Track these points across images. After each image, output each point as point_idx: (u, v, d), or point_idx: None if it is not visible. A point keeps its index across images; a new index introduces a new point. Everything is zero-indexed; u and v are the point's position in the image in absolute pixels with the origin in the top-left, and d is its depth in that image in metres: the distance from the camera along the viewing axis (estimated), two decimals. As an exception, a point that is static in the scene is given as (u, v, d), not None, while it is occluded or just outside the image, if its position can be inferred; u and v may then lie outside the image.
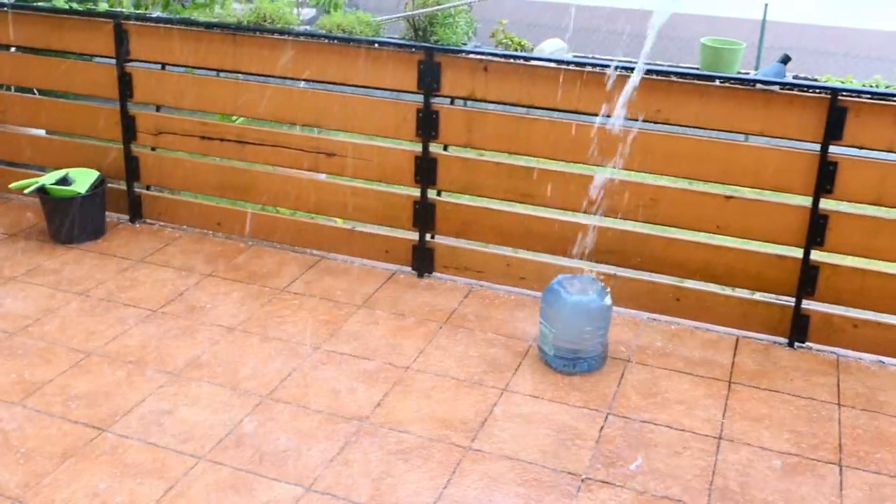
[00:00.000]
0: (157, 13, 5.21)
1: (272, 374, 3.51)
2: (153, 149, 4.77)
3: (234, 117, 5.07)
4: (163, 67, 4.65)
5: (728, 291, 3.97)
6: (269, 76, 4.38)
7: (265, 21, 4.36)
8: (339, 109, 4.29)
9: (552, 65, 3.87)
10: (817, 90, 3.59)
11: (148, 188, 4.90)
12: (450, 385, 3.48)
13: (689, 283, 4.00)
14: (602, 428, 3.25)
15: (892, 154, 3.55)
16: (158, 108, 4.74)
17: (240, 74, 4.57)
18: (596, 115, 3.80)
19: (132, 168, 4.77)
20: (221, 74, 4.68)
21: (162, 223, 4.84)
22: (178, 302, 4.03)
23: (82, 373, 3.48)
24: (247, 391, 3.39)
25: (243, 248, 4.58)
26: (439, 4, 4.11)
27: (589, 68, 3.80)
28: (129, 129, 4.71)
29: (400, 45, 4.10)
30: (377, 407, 3.32)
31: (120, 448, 3.05)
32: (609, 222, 3.94)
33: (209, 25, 4.41)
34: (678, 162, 3.82)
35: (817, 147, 3.61)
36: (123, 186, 4.83)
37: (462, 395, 3.41)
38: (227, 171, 4.62)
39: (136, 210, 4.86)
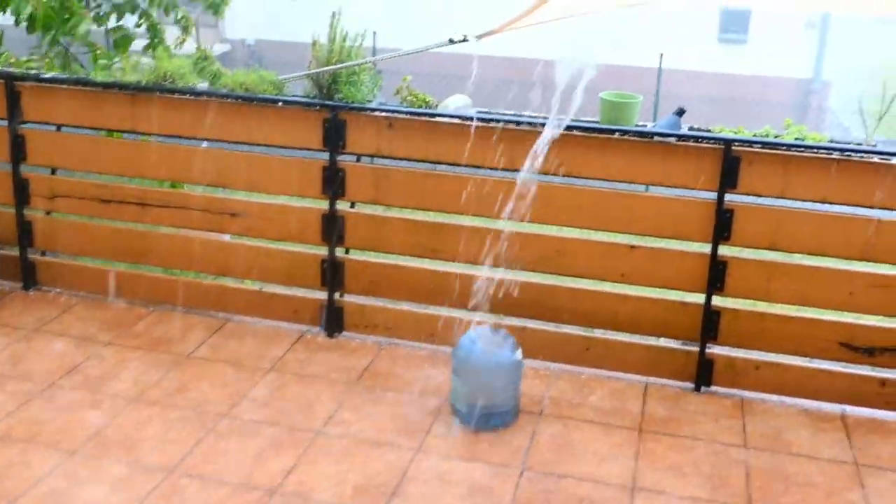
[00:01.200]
0: (52, 73, 5.06)
1: (177, 445, 3.38)
2: (48, 212, 4.60)
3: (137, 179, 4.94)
4: (58, 129, 4.51)
5: (635, 339, 4.04)
6: (171, 136, 4.30)
7: (165, 80, 4.28)
8: (243, 168, 4.23)
9: (456, 121, 3.91)
10: (711, 141, 3.71)
11: (43, 254, 4.71)
12: (363, 448, 3.41)
13: (598, 333, 4.05)
14: (517, 485, 3.23)
15: (785, 200, 3.68)
16: (54, 171, 4.58)
17: (140, 135, 4.47)
18: (501, 169, 3.84)
19: (25, 233, 4.59)
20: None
21: (58, 290, 4.65)
22: (75, 373, 3.87)
23: (-28, 454, 3.29)
24: (150, 466, 3.25)
25: (145, 314, 4.43)
26: (343, 62, 4.12)
27: (493, 124, 3.84)
28: (22, 192, 4.53)
29: (304, 104, 4.08)
30: (288, 475, 3.23)
31: (13, 534, 2.88)
32: (516, 275, 3.96)
33: (107, 85, 4.31)
34: (582, 213, 3.89)
35: (714, 195, 3.73)
36: (16, 252, 4.63)
37: (375, 458, 3.35)
38: (127, 234, 4.49)
39: (29, 277, 4.66)
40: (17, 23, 5.52)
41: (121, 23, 6.36)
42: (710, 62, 14.72)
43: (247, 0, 6.57)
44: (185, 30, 6.53)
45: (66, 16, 5.69)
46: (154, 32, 6.30)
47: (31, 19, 5.45)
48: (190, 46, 6.72)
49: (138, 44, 6.38)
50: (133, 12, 6.36)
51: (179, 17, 6.47)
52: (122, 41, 6.28)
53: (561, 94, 3.44)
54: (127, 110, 4.27)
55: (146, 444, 3.38)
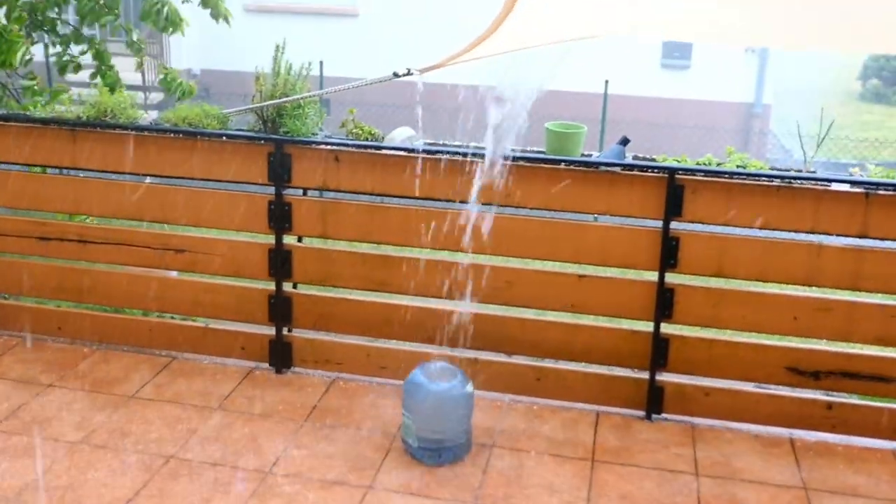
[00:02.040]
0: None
1: (121, 491, 3.28)
2: (-14, 252, 4.48)
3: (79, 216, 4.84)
4: (-5, 166, 4.41)
5: (586, 368, 4.04)
6: (113, 172, 4.22)
7: (106, 116, 4.20)
8: (186, 204, 4.16)
9: (403, 153, 3.90)
10: (656, 170, 3.75)
11: (-20, 294, 4.58)
12: (313, 487, 3.35)
13: (549, 363, 4.05)
14: (470, 520, 3.19)
15: (729, 227, 3.73)
16: (-9, 209, 4.47)
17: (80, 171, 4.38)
18: (449, 201, 3.83)
19: (-38, 273, 4.46)
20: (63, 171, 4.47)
21: (-3, 331, 4.52)
22: (14, 418, 3.74)
23: None
24: (93, 513, 3.16)
25: (88, 353, 4.32)
26: (287, 95, 4.09)
27: (440, 156, 3.84)
28: (-43, 232, 4.41)
29: (248, 138, 4.04)
30: (236, 518, 3.16)
31: (-53, 591, 2.77)
32: (466, 306, 3.95)
33: (46, 121, 4.22)
34: (530, 244, 3.89)
35: (659, 224, 3.76)
36: (-47, 293, 4.50)
37: (326, 498, 3.29)
38: (67, 273, 4.38)
39: (-33, 318, 4.53)
40: None
41: (63, 52, 6.24)
42: (653, 87, 14.96)
43: (191, 29, 6.49)
44: (139, 52, 6.43)
45: (6, 46, 5.58)
46: (101, 60, 6.20)
47: None
48: (131, 76, 6.62)
49: (84, 74, 6.27)
50: (78, 42, 6.26)
51: (135, 38, 6.36)
52: (65, 68, 6.17)
53: (499, 124, 3.46)
54: (67, 146, 4.18)
55: (89, 488, 3.28)
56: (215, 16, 6.40)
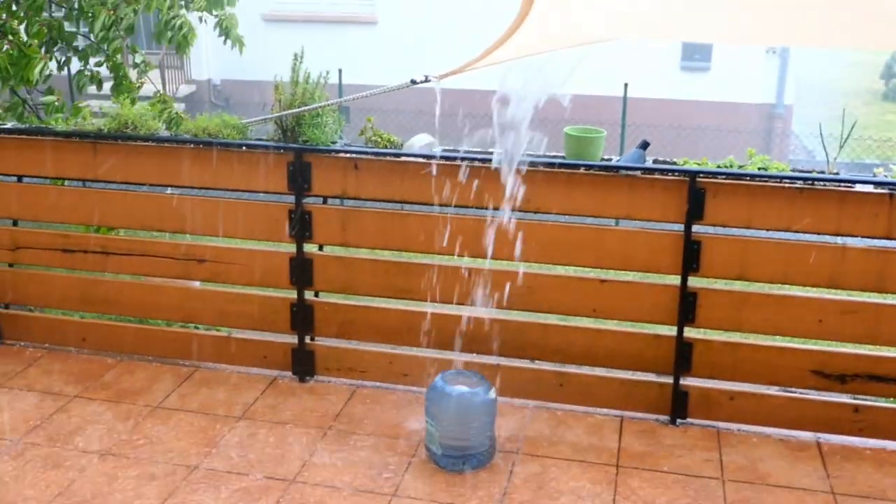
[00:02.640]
0: (10, 123, 5.00)
1: (148, 500, 3.30)
2: (11, 265, 4.53)
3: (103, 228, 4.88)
4: (19, 179, 4.45)
5: (610, 373, 4.02)
6: (134, 184, 4.25)
7: (127, 128, 4.24)
8: (207, 214, 4.18)
9: (422, 160, 3.90)
10: (676, 173, 3.73)
11: (7, 307, 4.62)
12: (338, 495, 3.35)
13: (572, 368, 4.03)
14: (495, 528, 3.18)
15: (750, 230, 3.70)
16: (15, 223, 4.51)
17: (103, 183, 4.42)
18: (469, 207, 3.83)
19: (-11, 286, 4.51)
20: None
21: (23, 343, 4.56)
22: (40, 430, 3.77)
23: (-67, 519, 3.19)
24: (119, 523, 3.18)
25: (112, 365, 4.35)
26: (306, 104, 4.10)
27: (459, 162, 3.84)
28: (-17, 245, 4.46)
29: (268, 147, 4.06)
30: (261, 527, 3.16)
31: None
32: (488, 313, 3.94)
33: (68, 135, 4.26)
34: (551, 249, 3.88)
35: (681, 227, 3.74)
36: (-21, 306, 4.55)
37: (350, 506, 3.29)
38: (91, 284, 4.41)
39: (-7, 331, 4.58)
40: None
41: (83, 67, 6.33)
42: (673, 90, 14.90)
43: (212, 40, 6.57)
44: (142, 73, 6.51)
45: (25, 61, 5.65)
46: (118, 72, 6.28)
47: None
48: (150, 89, 6.70)
49: (106, 86, 6.35)
50: (95, 55, 6.34)
51: (139, 60, 6.45)
52: (86, 84, 6.25)
53: (517, 129, 3.45)
54: (88, 159, 4.22)
55: (116, 499, 3.30)
56: (230, 40, 6.53)
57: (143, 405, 3.98)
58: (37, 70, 5.60)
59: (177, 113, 5.94)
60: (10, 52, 5.63)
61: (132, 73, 6.49)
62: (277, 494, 3.35)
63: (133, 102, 5.32)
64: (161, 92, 6.50)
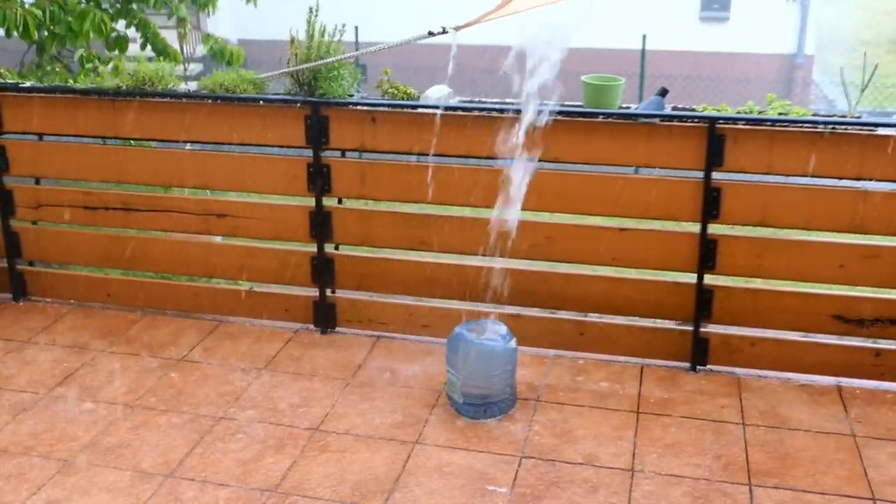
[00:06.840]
0: (30, 82, 5.01)
1: (174, 450, 3.37)
2: (34, 222, 4.57)
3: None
4: (40, 137, 4.48)
5: (630, 321, 4.03)
6: (153, 140, 4.27)
7: (145, 84, 4.24)
8: (226, 169, 4.20)
9: (439, 111, 3.88)
10: (695, 120, 3.70)
11: (31, 264, 4.68)
12: (360, 444, 3.40)
13: (592, 317, 4.04)
14: (517, 472, 3.22)
15: (771, 176, 3.68)
16: (38, 181, 4.55)
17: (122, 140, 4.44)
18: (486, 158, 3.82)
19: (13, 244, 4.56)
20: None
21: (48, 300, 4.62)
22: (69, 382, 3.84)
23: (-32, 469, 3.27)
24: (148, 472, 3.24)
25: (136, 319, 4.41)
26: (322, 58, 4.09)
27: (476, 113, 3.83)
28: (6, 204, 4.50)
29: (285, 101, 4.05)
30: (286, 475, 3.22)
31: (13, 547, 2.87)
32: (507, 263, 3.95)
33: (86, 92, 4.28)
34: (570, 199, 3.87)
35: (701, 174, 3.72)
36: (4, 264, 4.60)
37: (374, 453, 3.34)
38: (114, 241, 4.46)
39: (18, 288, 4.64)
40: (7, 34, 5.44)
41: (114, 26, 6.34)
42: (692, 41, 14.70)
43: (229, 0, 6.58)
44: (182, 23, 6.57)
45: (72, 19, 5.62)
46: (145, 30, 6.28)
47: (26, 28, 5.36)
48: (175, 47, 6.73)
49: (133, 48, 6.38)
50: (125, 17, 6.34)
51: (182, 16, 6.51)
52: (116, 43, 6.24)
53: (536, 79, 3.42)
54: (108, 116, 4.24)
55: (143, 449, 3.37)
56: None
57: (168, 358, 4.04)
58: (87, 24, 5.58)
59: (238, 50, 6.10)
60: (53, 9, 5.59)
61: (162, 33, 6.51)
62: (302, 443, 3.40)
63: (167, 56, 5.43)
64: (216, 36, 6.60)
